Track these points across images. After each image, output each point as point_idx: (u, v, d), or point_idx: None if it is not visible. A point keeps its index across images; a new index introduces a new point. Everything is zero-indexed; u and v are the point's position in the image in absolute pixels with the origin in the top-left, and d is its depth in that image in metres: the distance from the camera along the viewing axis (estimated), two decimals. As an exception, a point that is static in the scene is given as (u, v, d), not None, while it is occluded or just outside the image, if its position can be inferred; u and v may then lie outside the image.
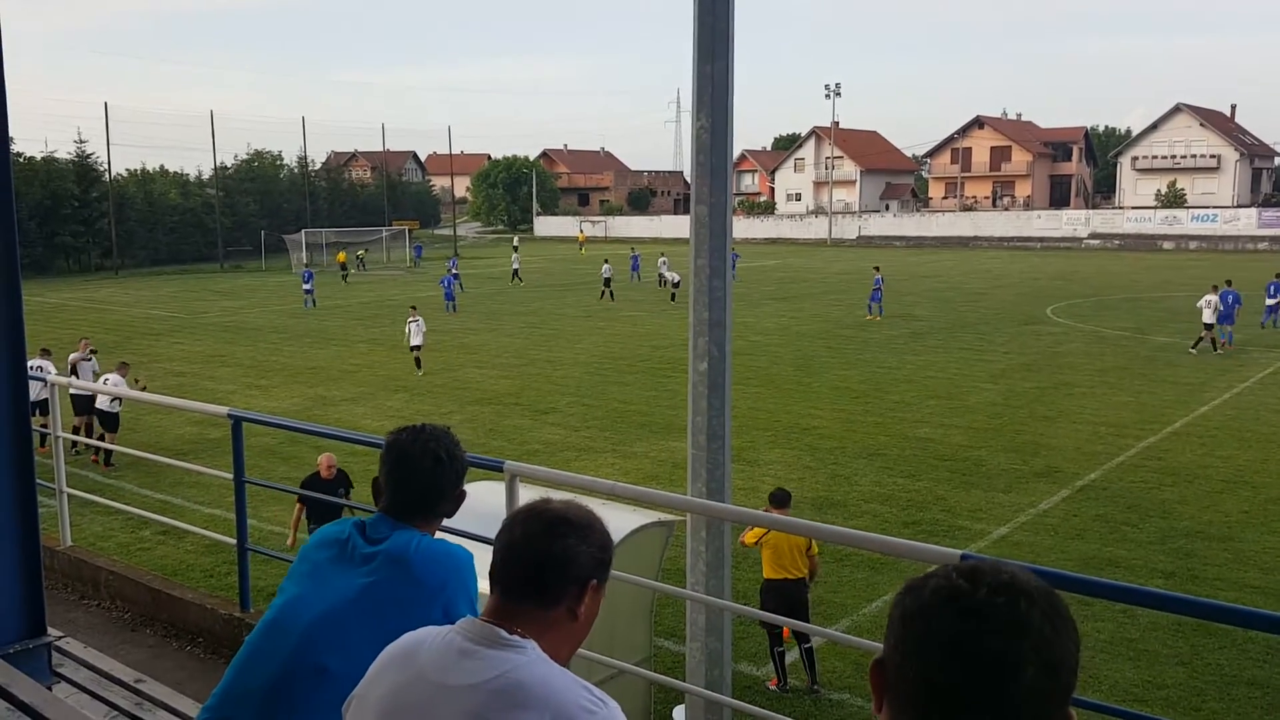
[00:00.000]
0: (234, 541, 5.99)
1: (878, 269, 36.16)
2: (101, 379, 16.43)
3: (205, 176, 75.52)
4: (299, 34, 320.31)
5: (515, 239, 78.35)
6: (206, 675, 5.29)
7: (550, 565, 1.83)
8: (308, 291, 40.68)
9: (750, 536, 8.92)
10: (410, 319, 24.88)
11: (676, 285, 40.57)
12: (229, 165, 76.47)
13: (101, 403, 16.22)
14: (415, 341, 24.47)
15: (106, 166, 65.84)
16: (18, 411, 3.68)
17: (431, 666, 1.82)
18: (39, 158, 62.65)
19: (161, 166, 77.92)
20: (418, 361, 24.17)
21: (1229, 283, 27.12)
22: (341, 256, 55.99)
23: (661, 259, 46.37)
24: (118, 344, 29.92)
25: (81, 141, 65.45)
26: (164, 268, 63.78)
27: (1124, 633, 9.64)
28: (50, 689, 3.39)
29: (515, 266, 51.49)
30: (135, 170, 74.00)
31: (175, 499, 14.06)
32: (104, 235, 63.21)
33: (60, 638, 3.84)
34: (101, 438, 16.01)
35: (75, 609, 6.08)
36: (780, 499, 9.12)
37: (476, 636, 1.81)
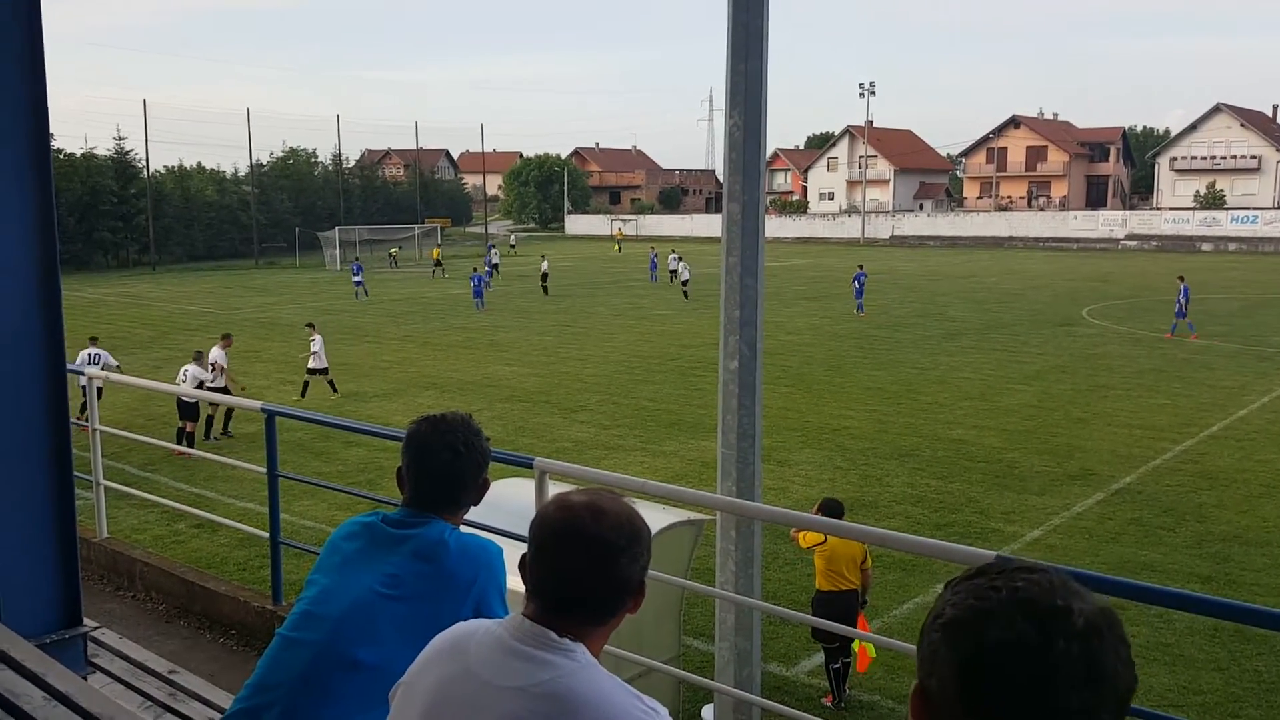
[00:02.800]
0: (267, 535, 6.04)
1: (861, 266, 37.18)
2: (181, 370, 17.69)
3: (241, 174, 76.43)
4: (335, 32, 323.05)
5: (512, 237, 77.39)
6: (238, 667, 5.34)
7: (603, 591, 1.80)
8: (358, 283, 41.78)
9: (805, 540, 8.69)
10: (309, 338, 21.43)
11: (686, 283, 40.98)
12: (264, 163, 77.27)
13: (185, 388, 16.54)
14: (314, 365, 20.95)
15: (145, 163, 66.74)
16: (56, 405, 3.73)
17: (479, 663, 1.80)
18: (78, 154, 63.59)
19: (199, 163, 78.87)
20: (332, 385, 20.99)
21: (1181, 278, 28.81)
22: (435, 253, 56.72)
23: (672, 255, 46.39)
24: (154, 339, 30.32)
25: (120, 138, 66.48)
26: (200, 264, 64.52)
27: (1160, 637, 9.50)
28: (85, 679, 3.43)
29: (544, 270, 45.75)
30: (173, 167, 74.93)
31: (209, 492, 14.21)
32: (141, 231, 64.06)
33: (96, 628, 3.89)
34: (184, 429, 16.66)
35: (111, 600, 6.16)
36: (834, 510, 8.74)
37: (526, 637, 1.78)
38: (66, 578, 3.69)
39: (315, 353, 20.88)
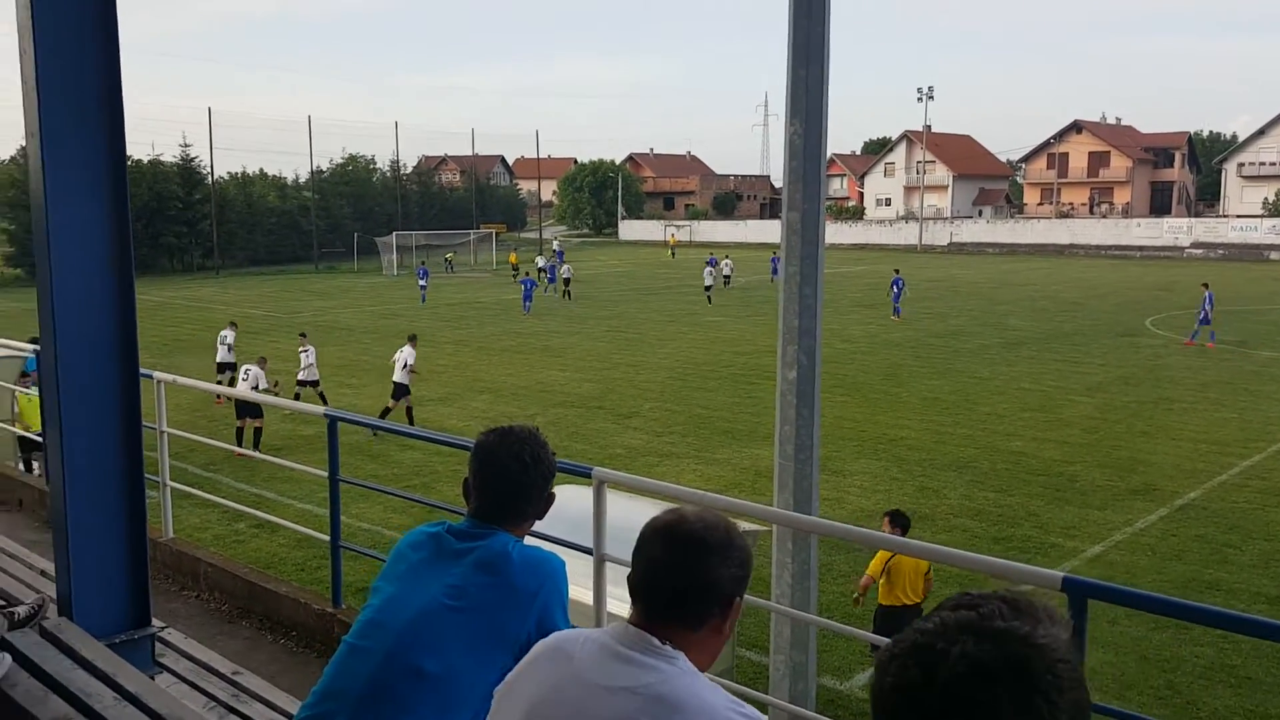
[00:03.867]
0: (325, 538, 6.12)
1: (898, 271, 37.68)
2: (242, 370, 18.31)
3: (302, 180, 77.73)
4: (395, 40, 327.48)
5: (555, 243, 77.15)
6: (299, 669, 5.41)
7: (694, 590, 1.88)
8: (423, 287, 43.02)
9: (875, 566, 8.47)
10: (300, 349, 20.67)
11: (709, 289, 42.15)
12: (324, 169, 78.51)
13: (244, 390, 17.06)
14: (304, 377, 20.05)
15: (209, 169, 68.17)
16: (129, 407, 3.82)
17: (586, 666, 1.88)
18: (145, 161, 65.08)
19: (261, 170, 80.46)
20: (322, 397, 19.85)
21: (1205, 285, 29.67)
22: (514, 258, 57.28)
23: (711, 259, 47.20)
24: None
25: (186, 145, 67.93)
26: (261, 268, 65.71)
27: (1225, 659, 9.26)
28: (153, 679, 3.50)
29: (566, 276, 45.63)
30: (236, 173, 76.49)
31: (269, 493, 14.45)
32: (205, 236, 65.41)
33: (163, 628, 3.96)
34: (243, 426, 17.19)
35: (175, 599, 6.29)
36: (901, 521, 8.64)
37: (630, 642, 1.86)
38: (136, 579, 3.76)
39: (310, 365, 20.14)
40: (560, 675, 1.90)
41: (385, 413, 18.24)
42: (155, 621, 3.91)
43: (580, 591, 3.29)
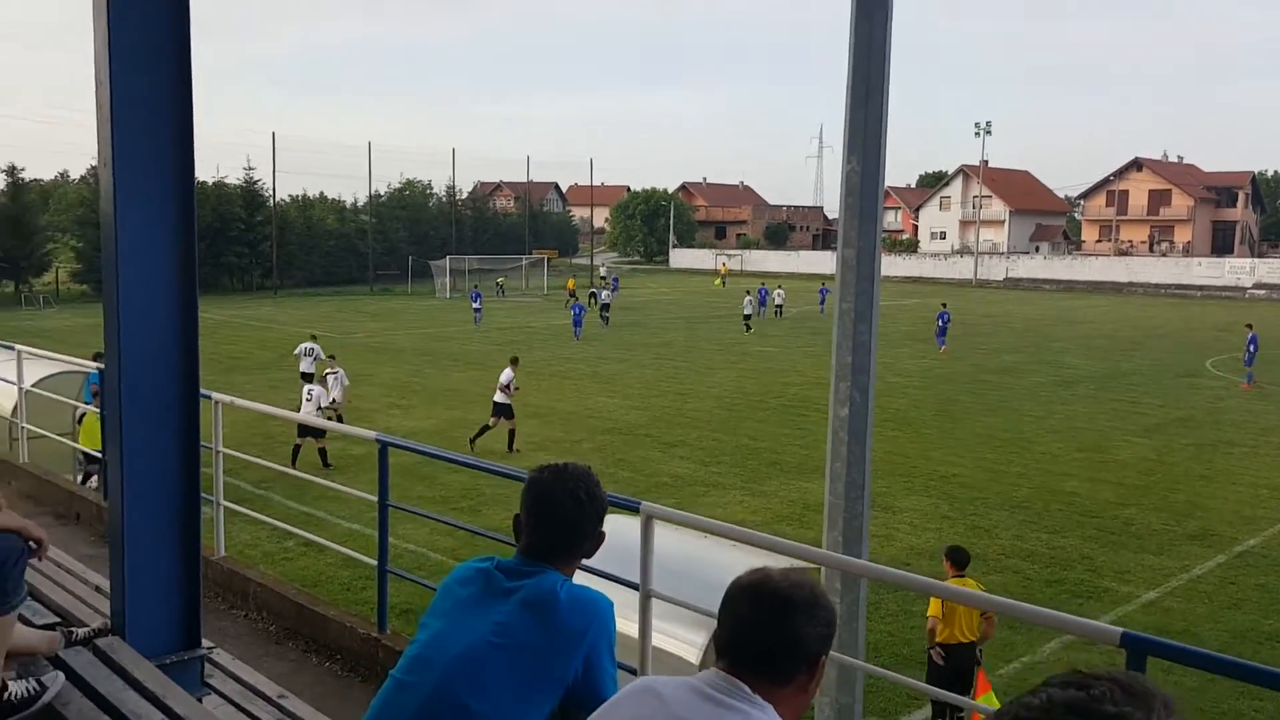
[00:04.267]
0: (372, 561, 6.16)
1: (945, 305, 37.87)
2: (305, 390, 18.70)
3: (360, 203, 78.95)
4: (454, 68, 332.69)
5: (602, 269, 77.33)
6: (343, 693, 5.44)
7: (780, 650, 1.92)
8: (477, 310, 43.58)
9: (935, 605, 8.31)
10: (329, 371, 19.80)
11: (747, 318, 42.84)
12: (382, 193, 79.70)
13: (310, 410, 17.56)
14: (333, 396, 19.01)
15: (271, 192, 69.60)
16: (189, 428, 3.88)
17: (677, 703, 1.91)
18: (211, 182, 66.60)
19: (321, 193, 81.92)
20: (339, 417, 18.96)
21: (1250, 326, 30.05)
22: (571, 284, 57.85)
23: (762, 289, 49.45)
24: (273, 360, 31.41)
25: (250, 169, 69.40)
26: (318, 289, 66.75)
27: (1288, 716, 8.97)
28: (200, 701, 3.53)
29: (606, 301, 45.69)
30: (297, 196, 77.92)
31: (319, 512, 14.59)
32: (265, 257, 66.65)
33: (211, 649, 4.00)
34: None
35: (224, 618, 6.36)
36: (959, 560, 8.46)
37: (721, 686, 1.90)
38: (189, 600, 3.81)
39: (337, 386, 19.40)
40: (650, 712, 1.93)
41: (483, 430, 19.10)
42: (205, 642, 3.95)
43: (626, 624, 3.27)
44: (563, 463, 2.61)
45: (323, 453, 17.53)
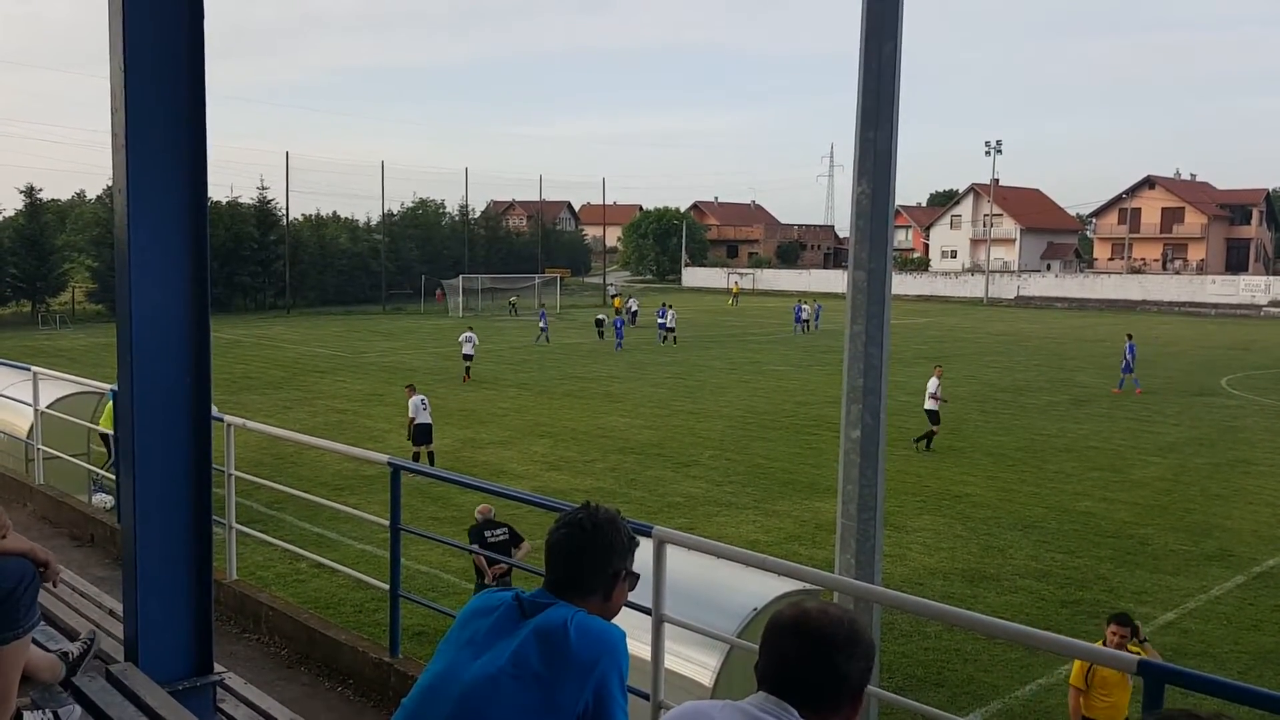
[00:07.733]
0: (384, 585, 6.15)
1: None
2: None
3: (373, 222, 79.31)
4: (467, 88, 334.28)
5: (612, 288, 77.58)
6: (354, 718, 5.43)
7: (827, 686, 1.99)
8: (543, 329, 45.22)
9: (1077, 675, 7.22)
10: (412, 397, 19.47)
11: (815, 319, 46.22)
12: (395, 212, 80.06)
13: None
14: (422, 420, 19.15)
15: (284, 212, 69.92)
16: (200, 453, 3.88)
17: None
18: (224, 202, 67.01)
19: (334, 212, 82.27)
20: (430, 456, 18.87)
21: (1130, 336, 31.92)
22: (618, 302, 58.05)
23: (814, 305, 53.32)
24: (285, 379, 31.53)
25: (264, 188, 69.79)
26: (331, 308, 66.99)
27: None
28: (213, 727, 3.52)
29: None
30: (310, 215, 78.27)
31: (331, 533, 14.59)
32: (279, 276, 66.92)
33: (224, 674, 4.00)
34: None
35: (236, 642, 6.35)
36: (1129, 624, 7.12)
37: (769, 709, 1.98)
38: (201, 626, 3.81)
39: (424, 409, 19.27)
40: None
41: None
42: (217, 667, 3.94)
43: (639, 647, 3.25)
44: (595, 505, 2.66)
45: (431, 456, 18.87)
